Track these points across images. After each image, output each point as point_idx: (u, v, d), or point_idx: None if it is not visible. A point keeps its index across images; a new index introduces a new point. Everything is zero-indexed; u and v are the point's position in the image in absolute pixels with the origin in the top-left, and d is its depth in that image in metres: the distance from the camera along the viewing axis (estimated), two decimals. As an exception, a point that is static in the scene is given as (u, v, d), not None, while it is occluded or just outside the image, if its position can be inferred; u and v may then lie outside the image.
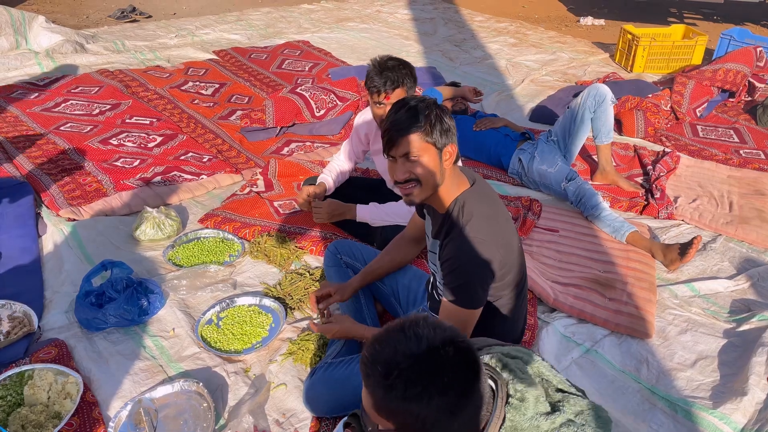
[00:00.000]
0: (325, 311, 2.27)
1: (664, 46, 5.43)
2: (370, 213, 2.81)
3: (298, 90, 4.25)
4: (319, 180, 3.01)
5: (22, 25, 5.73)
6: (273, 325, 2.51)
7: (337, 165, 3.07)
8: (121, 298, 2.49)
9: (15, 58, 5.34)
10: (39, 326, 2.46)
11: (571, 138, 3.45)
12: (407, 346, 1.11)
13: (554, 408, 1.24)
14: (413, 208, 2.68)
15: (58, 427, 2.00)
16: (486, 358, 1.30)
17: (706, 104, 4.55)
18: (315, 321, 2.42)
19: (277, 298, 2.63)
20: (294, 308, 2.60)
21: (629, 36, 5.59)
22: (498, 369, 1.27)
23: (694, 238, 2.82)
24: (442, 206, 1.91)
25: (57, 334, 2.44)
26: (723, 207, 3.35)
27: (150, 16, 7.08)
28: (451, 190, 1.88)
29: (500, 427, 1.17)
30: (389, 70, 2.52)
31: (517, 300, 2.03)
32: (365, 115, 2.89)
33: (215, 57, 5.70)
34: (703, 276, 2.83)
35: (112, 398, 2.16)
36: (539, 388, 1.24)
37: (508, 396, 1.21)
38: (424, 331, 1.12)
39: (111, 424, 2.03)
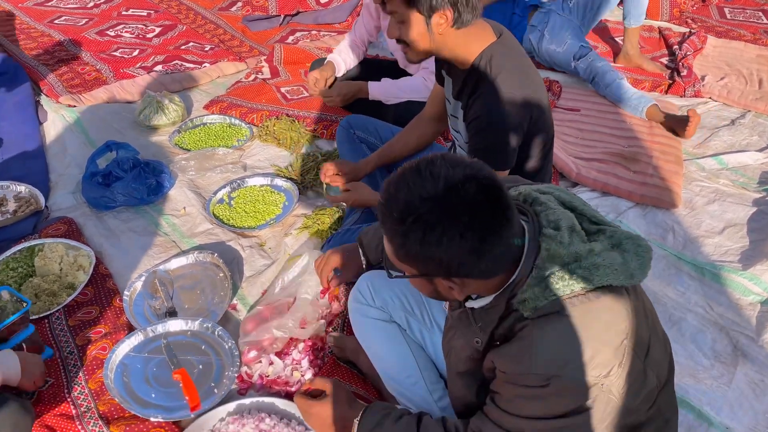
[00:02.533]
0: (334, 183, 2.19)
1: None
2: (383, 89, 2.67)
3: (302, -25, 4.02)
4: (327, 60, 2.87)
5: None
6: (286, 203, 2.43)
7: (349, 45, 2.90)
8: (128, 176, 2.41)
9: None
10: (46, 206, 2.39)
11: (593, 7, 3.24)
12: (423, 187, 1.01)
13: (591, 238, 1.16)
14: (430, 83, 2.54)
15: (73, 296, 1.97)
16: (514, 194, 1.21)
17: (734, -16, 4.29)
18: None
19: (290, 179, 2.55)
20: (307, 187, 2.52)
21: None
22: (528, 202, 1.18)
23: (689, 110, 2.73)
24: (464, 62, 1.76)
25: (65, 213, 2.37)
26: (752, 84, 3.19)
27: None
28: (472, 45, 1.73)
29: (535, 259, 1.09)
30: None
31: (544, 161, 1.93)
32: (376, -15, 2.70)
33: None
34: (731, 150, 2.72)
35: (126, 271, 2.12)
36: (574, 219, 1.16)
37: (541, 227, 1.12)
38: (441, 170, 1.02)
39: (126, 292, 1.99)
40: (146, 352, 1.80)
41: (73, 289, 1.99)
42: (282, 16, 3.93)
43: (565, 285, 1.06)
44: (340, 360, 1.76)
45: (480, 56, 1.72)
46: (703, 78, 3.24)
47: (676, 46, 3.55)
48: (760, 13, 4.08)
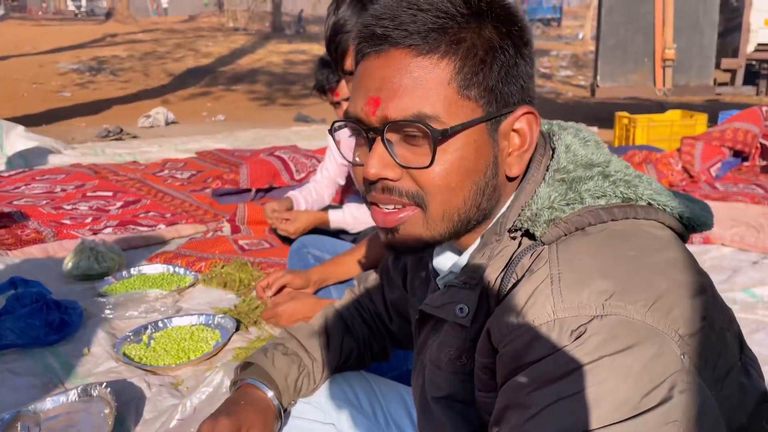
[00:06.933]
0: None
1: (664, 126, 5.23)
2: (347, 215, 2.31)
3: (276, 153, 3.94)
4: (285, 195, 2.56)
5: (-1, 134, 5.57)
6: (220, 340, 1.92)
7: (313, 186, 2.62)
8: (24, 311, 1.93)
9: (-15, 159, 5.11)
10: None
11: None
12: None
13: None
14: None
15: None
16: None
17: (719, 164, 4.21)
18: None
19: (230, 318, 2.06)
20: (249, 325, 2.03)
21: (625, 120, 5.42)
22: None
23: None
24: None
25: (-68, 356, 1.84)
26: (766, 233, 2.86)
27: (136, 137, 7.01)
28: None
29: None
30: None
31: None
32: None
33: (196, 156, 5.46)
34: (762, 284, 2.29)
35: (-21, 414, 1.53)
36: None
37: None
38: None
39: (-37, 436, 1.40)
40: None
41: None
42: (253, 190, 3.74)
43: (597, 189, 0.68)
44: None
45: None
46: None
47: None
48: (755, 186, 3.92)
